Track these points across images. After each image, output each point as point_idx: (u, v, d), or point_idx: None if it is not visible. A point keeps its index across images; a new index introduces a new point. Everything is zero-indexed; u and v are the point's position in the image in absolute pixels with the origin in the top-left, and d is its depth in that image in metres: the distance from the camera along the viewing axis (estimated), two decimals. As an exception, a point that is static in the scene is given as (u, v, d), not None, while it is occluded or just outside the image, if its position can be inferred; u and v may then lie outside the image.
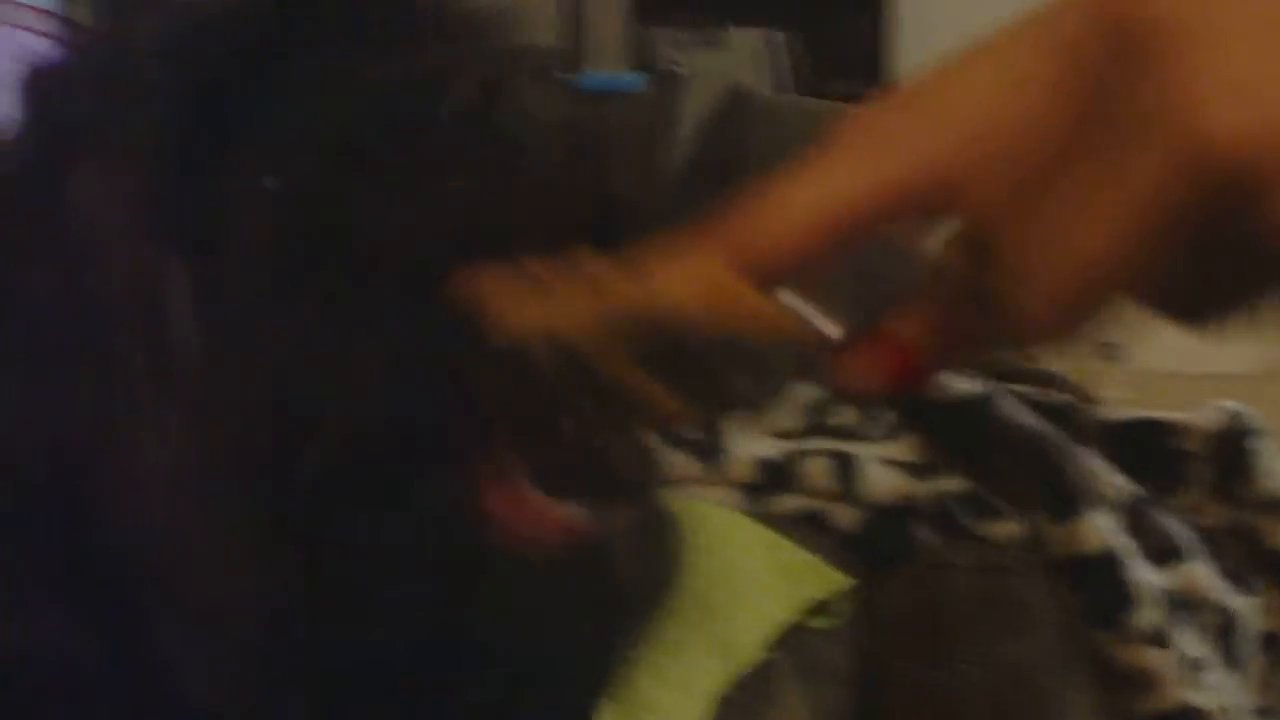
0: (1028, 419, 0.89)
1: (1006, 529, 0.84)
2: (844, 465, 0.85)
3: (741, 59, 2.93)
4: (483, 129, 0.35)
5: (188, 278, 0.35)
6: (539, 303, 0.32)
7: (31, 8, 1.42)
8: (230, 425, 0.34)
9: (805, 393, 0.91)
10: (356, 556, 0.35)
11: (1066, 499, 0.84)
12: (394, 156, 0.35)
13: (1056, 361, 1.18)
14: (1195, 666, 0.81)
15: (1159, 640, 0.81)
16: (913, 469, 0.86)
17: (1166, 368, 2.63)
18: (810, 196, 0.33)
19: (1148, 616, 0.82)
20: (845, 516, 0.85)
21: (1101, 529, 0.84)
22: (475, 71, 0.36)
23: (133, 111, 0.36)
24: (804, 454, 0.85)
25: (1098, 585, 0.83)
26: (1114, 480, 0.87)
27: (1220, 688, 0.81)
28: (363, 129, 0.35)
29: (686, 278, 0.31)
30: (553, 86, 0.37)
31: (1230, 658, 0.83)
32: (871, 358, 0.33)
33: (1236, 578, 0.86)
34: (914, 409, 0.88)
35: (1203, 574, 0.86)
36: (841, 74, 3.07)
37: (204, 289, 0.35)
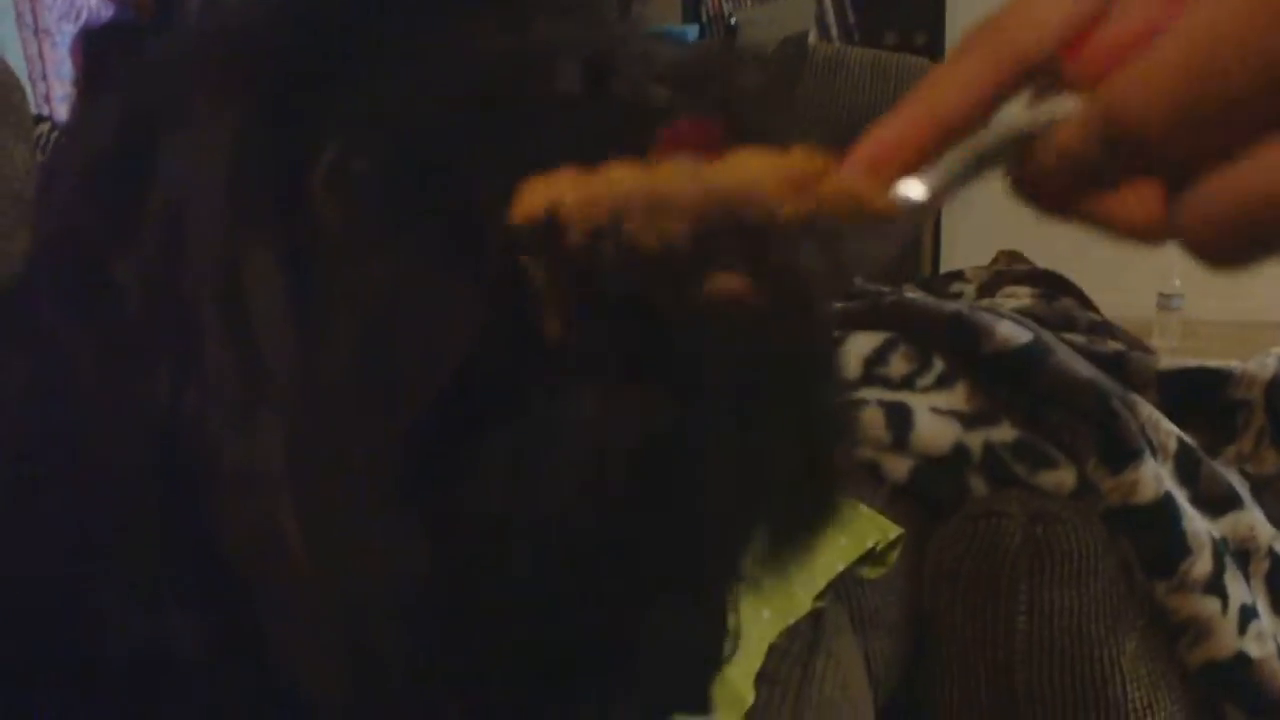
0: (1081, 367, 0.88)
1: (1059, 478, 0.85)
2: (897, 414, 0.85)
3: (795, 8, 2.91)
4: (591, 106, 0.35)
5: (275, 256, 0.35)
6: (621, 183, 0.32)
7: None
8: (329, 402, 0.34)
9: (860, 343, 0.91)
10: (495, 500, 0.34)
11: (1121, 448, 0.84)
12: (496, 134, 0.35)
13: (1110, 308, 1.18)
14: (1249, 615, 0.81)
15: (1215, 589, 0.81)
16: (965, 418, 0.86)
17: (1221, 316, 2.60)
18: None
19: (1202, 565, 0.82)
20: (898, 466, 0.85)
21: (1156, 478, 0.84)
22: (582, 47, 0.36)
23: (223, 87, 0.36)
24: (859, 404, 0.85)
25: (1153, 534, 0.83)
26: (1169, 429, 0.87)
27: (1271, 635, 0.81)
28: (460, 104, 0.35)
29: (767, 161, 0.32)
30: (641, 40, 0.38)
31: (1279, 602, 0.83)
32: None
33: (1289, 525, 0.86)
34: (966, 358, 0.88)
35: (1257, 521, 0.86)
36: (897, 23, 3.05)
37: (292, 266, 0.35)
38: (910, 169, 0.34)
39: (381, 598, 0.35)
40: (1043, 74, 0.33)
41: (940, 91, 0.35)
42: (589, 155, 0.32)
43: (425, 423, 0.33)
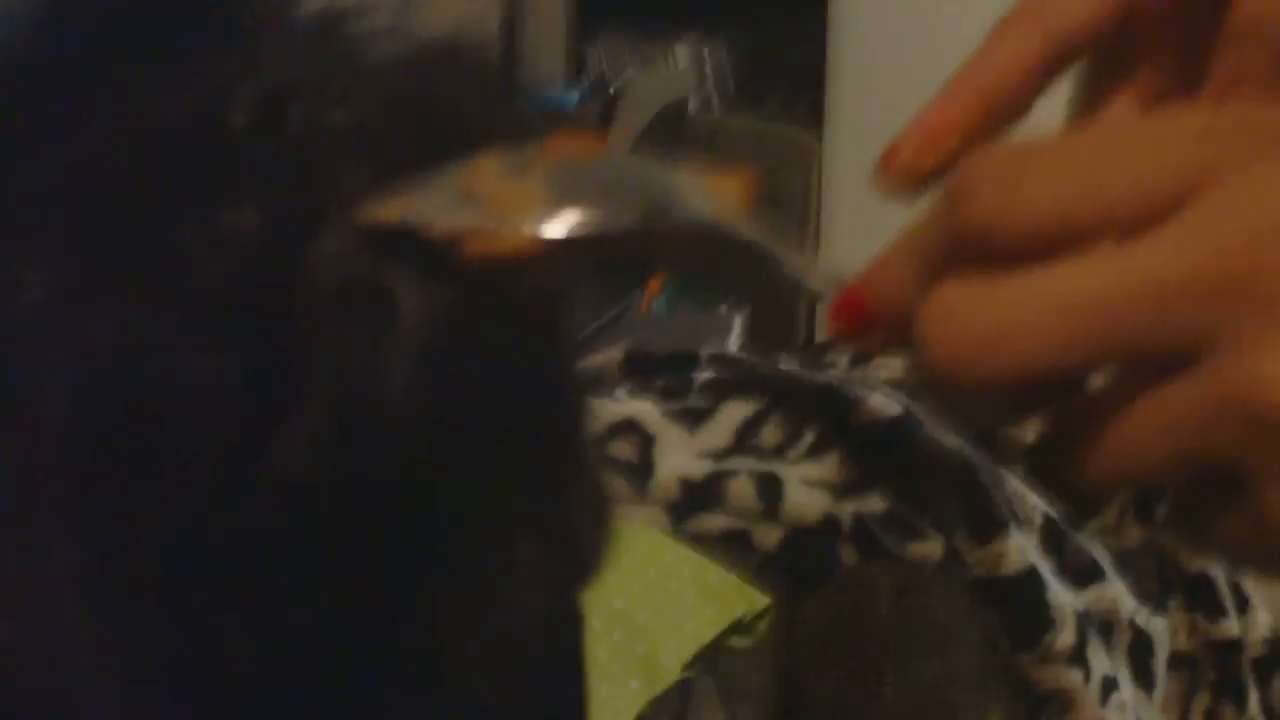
0: (950, 440, 0.89)
1: (927, 549, 0.85)
2: (767, 485, 0.85)
3: (675, 76, 2.93)
4: (274, 137, 0.34)
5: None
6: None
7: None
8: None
9: (732, 411, 0.91)
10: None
11: (987, 520, 0.85)
12: (187, 183, 0.34)
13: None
14: (1110, 686, 0.82)
15: (1078, 661, 0.82)
16: (835, 489, 0.87)
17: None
18: None
19: (1066, 637, 0.83)
20: (768, 536, 0.85)
21: (1022, 550, 0.85)
22: (260, 78, 0.35)
23: None
24: (728, 473, 0.85)
25: (1019, 606, 0.84)
26: (1035, 502, 0.88)
27: (1133, 707, 0.82)
28: (134, 165, 0.34)
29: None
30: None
31: (1143, 677, 0.84)
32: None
33: (1150, 597, 0.87)
34: (838, 429, 0.88)
35: (1119, 594, 0.87)
36: (778, 90, 3.08)
37: None
38: (962, 147, 0.33)
39: None
40: (1089, 49, 0.33)
41: (985, 73, 0.34)
42: (267, 184, 0.32)
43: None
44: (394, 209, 0.33)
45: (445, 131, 0.35)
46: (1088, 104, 0.34)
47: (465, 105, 0.36)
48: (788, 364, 1.13)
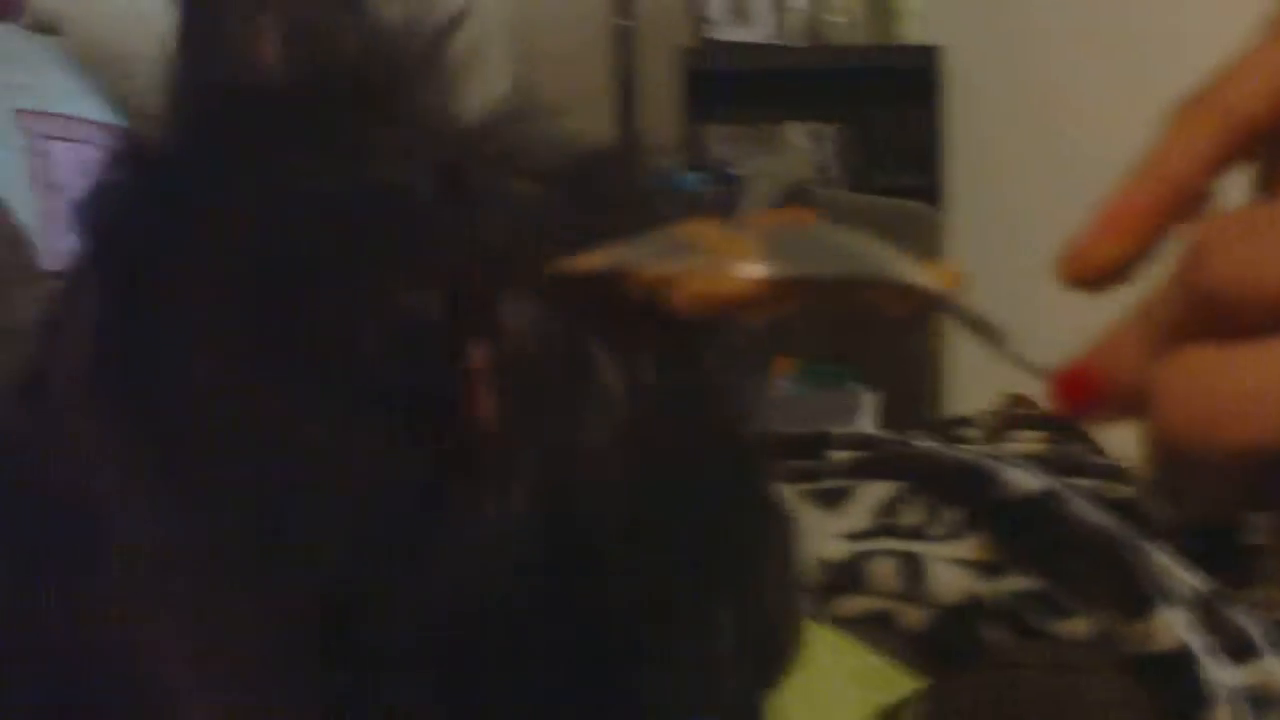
0: (1094, 515, 0.88)
1: (1077, 627, 0.84)
2: (911, 565, 0.84)
3: (795, 154, 2.94)
4: (450, 211, 0.35)
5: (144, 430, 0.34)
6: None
7: (93, 122, 1.45)
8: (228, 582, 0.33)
9: (870, 493, 0.91)
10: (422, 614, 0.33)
11: (1138, 596, 0.83)
12: (362, 259, 0.34)
13: (1118, 447, 1.18)
14: (1273, 766, 0.80)
15: (1234, 738, 0.80)
16: (980, 568, 0.86)
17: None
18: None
19: (1224, 715, 0.80)
20: (913, 617, 0.84)
21: (1175, 626, 0.83)
22: (429, 167, 0.35)
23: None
24: (871, 555, 0.84)
25: (1173, 684, 0.82)
26: (1185, 575, 0.86)
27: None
28: (316, 242, 0.34)
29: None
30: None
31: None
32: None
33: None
34: (978, 506, 0.87)
35: (1276, 669, 0.84)
36: (895, 167, 3.08)
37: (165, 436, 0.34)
38: (1147, 237, 0.32)
39: None
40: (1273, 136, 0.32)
41: (1169, 162, 0.33)
42: (457, 259, 0.32)
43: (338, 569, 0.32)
44: (601, 257, 0.33)
45: (630, 209, 0.35)
46: (1273, 181, 0.34)
47: (635, 184, 0.37)
48: (923, 441, 1.13)
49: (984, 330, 0.32)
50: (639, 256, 0.33)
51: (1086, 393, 0.31)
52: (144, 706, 0.34)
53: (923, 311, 0.33)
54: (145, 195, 0.36)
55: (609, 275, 0.33)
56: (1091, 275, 0.32)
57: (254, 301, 0.34)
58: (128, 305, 0.35)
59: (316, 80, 0.36)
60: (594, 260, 0.34)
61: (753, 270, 0.32)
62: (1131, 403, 0.31)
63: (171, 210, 0.35)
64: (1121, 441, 1.19)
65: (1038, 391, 1.11)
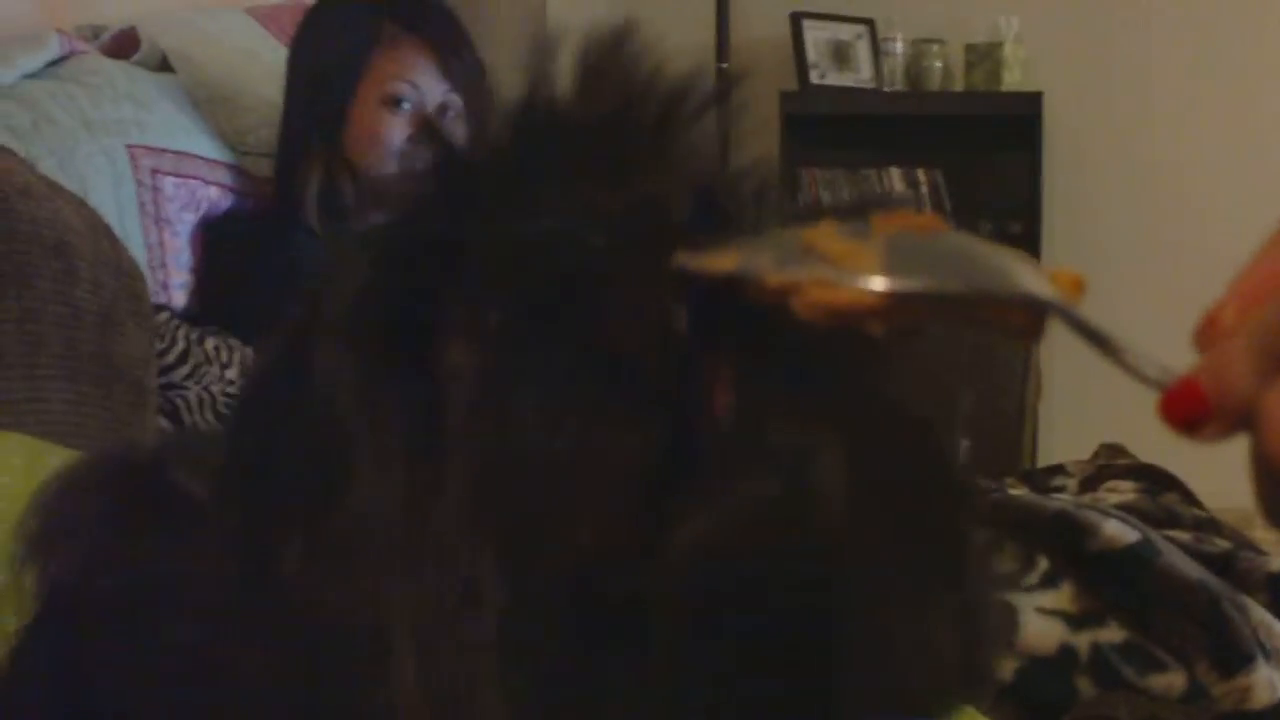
0: (1190, 568, 0.87)
1: (1169, 681, 0.83)
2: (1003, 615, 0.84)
3: (900, 194, 2.94)
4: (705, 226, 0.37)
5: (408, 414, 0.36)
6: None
7: (203, 158, 1.49)
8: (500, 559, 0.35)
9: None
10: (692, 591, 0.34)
11: (1233, 652, 0.82)
12: (624, 265, 0.36)
13: (1212, 498, 1.16)
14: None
15: (1332, 799, 0.78)
16: (1071, 619, 0.85)
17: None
18: None
19: (1320, 775, 0.79)
20: (1004, 667, 0.84)
21: (1271, 684, 0.82)
22: (695, 192, 0.37)
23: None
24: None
25: (1268, 742, 0.81)
26: (1281, 631, 0.85)
27: None
28: (587, 247, 0.36)
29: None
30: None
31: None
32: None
33: None
34: (1072, 557, 0.87)
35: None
36: (994, 213, 3.06)
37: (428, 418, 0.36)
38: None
39: None
40: None
41: None
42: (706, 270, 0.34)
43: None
44: (728, 260, 0.34)
45: None
46: None
47: None
48: (1016, 490, 1.12)
49: (1101, 341, 0.32)
50: (763, 261, 0.34)
51: (1197, 408, 0.32)
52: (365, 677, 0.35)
53: (1042, 323, 0.33)
54: (458, 197, 0.39)
55: (735, 278, 0.34)
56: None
57: (533, 295, 0.36)
58: (408, 275, 0.37)
59: (607, 117, 0.39)
60: (722, 261, 0.34)
61: (874, 283, 0.33)
62: (1239, 422, 0.31)
63: (478, 210, 0.38)
64: (1214, 495, 1.17)
65: (1133, 438, 1.09)
